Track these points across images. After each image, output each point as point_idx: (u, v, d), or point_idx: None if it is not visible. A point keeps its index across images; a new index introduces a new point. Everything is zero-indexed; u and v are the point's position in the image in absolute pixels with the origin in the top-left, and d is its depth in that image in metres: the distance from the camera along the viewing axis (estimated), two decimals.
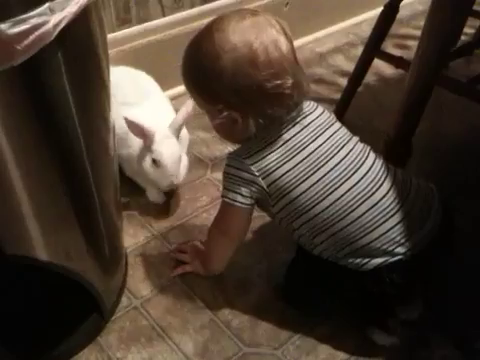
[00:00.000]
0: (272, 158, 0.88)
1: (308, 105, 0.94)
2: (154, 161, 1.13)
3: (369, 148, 0.94)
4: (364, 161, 0.91)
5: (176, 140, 1.16)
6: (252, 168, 0.88)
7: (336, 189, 0.88)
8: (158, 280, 1.07)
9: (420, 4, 2.04)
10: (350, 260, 0.89)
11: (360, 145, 0.93)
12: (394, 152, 1.17)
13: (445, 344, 0.96)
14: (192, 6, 1.56)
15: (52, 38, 0.63)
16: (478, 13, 1.60)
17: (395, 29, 1.58)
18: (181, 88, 1.59)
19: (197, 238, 1.13)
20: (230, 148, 1.40)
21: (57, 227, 0.82)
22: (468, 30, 1.74)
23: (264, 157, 0.88)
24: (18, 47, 0.59)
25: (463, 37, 1.64)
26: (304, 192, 0.88)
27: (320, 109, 0.95)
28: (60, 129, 0.74)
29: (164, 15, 1.52)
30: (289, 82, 0.84)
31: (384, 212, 0.88)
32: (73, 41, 0.69)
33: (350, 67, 1.53)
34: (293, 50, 0.87)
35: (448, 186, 1.06)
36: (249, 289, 1.06)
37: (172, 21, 1.53)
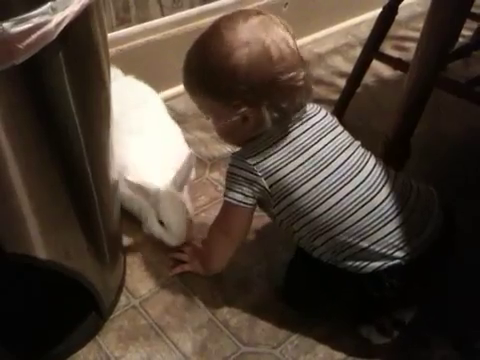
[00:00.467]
0: (275, 158, 0.89)
1: (312, 107, 0.94)
2: (161, 222, 1.08)
3: (370, 153, 0.95)
4: (364, 165, 0.91)
5: (181, 195, 1.11)
6: (255, 168, 0.88)
7: (337, 192, 0.88)
8: (157, 279, 1.07)
9: (419, 6, 2.05)
10: (349, 263, 0.89)
11: (361, 150, 0.94)
12: (392, 153, 1.17)
13: (445, 344, 0.97)
14: (191, 6, 1.57)
15: (54, 37, 0.63)
16: (476, 15, 1.61)
17: (393, 31, 1.59)
18: (179, 88, 1.60)
19: (196, 237, 1.13)
20: (229, 148, 1.40)
21: (57, 226, 0.82)
22: (466, 32, 1.75)
23: (267, 157, 0.89)
24: (20, 46, 0.59)
25: (461, 39, 1.65)
26: (305, 194, 0.88)
27: (323, 112, 0.96)
28: (60, 128, 0.74)
29: (163, 15, 1.52)
30: (302, 74, 0.86)
31: (383, 217, 0.88)
32: (74, 40, 0.69)
33: (349, 68, 1.54)
34: (298, 48, 0.89)
35: (447, 187, 1.06)
36: (248, 289, 1.06)
37: (171, 21, 1.53)
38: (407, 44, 1.85)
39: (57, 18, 0.62)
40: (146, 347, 0.96)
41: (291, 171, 0.88)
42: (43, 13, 0.61)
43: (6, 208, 0.74)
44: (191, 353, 0.95)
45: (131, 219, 1.16)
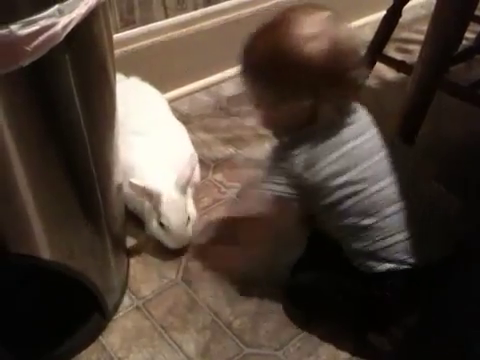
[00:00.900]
0: (316, 150, 0.90)
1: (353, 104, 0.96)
2: (161, 224, 1.09)
3: (401, 160, 0.96)
4: (396, 168, 0.92)
5: (183, 199, 1.11)
6: (295, 160, 0.89)
7: (371, 186, 0.89)
8: (160, 280, 1.08)
9: (423, 8, 2.05)
10: (365, 261, 0.90)
11: (391, 155, 0.95)
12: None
13: (444, 345, 0.97)
14: (195, 8, 1.57)
15: (61, 39, 0.63)
16: (479, 18, 1.61)
17: (397, 33, 1.59)
18: (183, 89, 1.61)
19: (198, 240, 1.13)
20: (232, 150, 1.41)
21: (61, 226, 0.83)
22: (469, 35, 1.74)
23: (308, 149, 0.90)
24: (27, 48, 0.60)
25: (464, 42, 1.65)
26: (341, 186, 0.89)
27: (364, 110, 0.97)
28: (66, 129, 0.75)
29: (167, 17, 1.53)
30: (364, 73, 0.89)
31: (407, 219, 0.89)
32: (81, 42, 0.70)
33: None
34: None
35: (449, 190, 1.06)
36: (251, 291, 1.06)
37: (175, 23, 1.54)
38: (411, 46, 1.84)
39: (64, 20, 0.63)
40: (149, 348, 0.96)
41: (329, 163, 0.89)
42: (50, 15, 0.61)
43: (10, 208, 0.74)
44: (194, 354, 0.95)
45: (135, 220, 1.16)
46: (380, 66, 1.50)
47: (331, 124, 0.90)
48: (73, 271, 0.87)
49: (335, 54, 0.84)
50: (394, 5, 1.38)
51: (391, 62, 1.45)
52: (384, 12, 1.40)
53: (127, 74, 1.35)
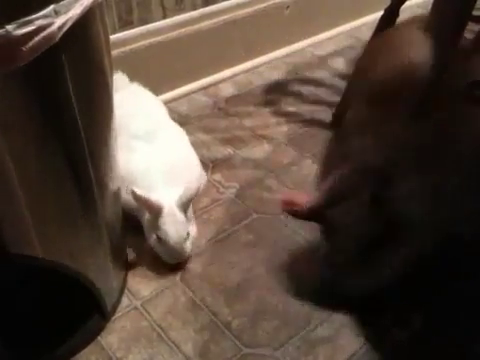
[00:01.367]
0: None
1: None
2: (159, 238, 1.07)
3: None
4: None
5: (184, 215, 1.07)
6: None
7: None
8: (158, 281, 1.08)
9: (419, 8, 2.05)
10: None
11: None
12: None
13: (445, 346, 0.97)
14: (194, 8, 1.57)
15: (57, 40, 0.63)
16: (478, 17, 1.61)
17: None
18: (181, 90, 1.61)
19: (195, 242, 1.13)
20: (230, 150, 1.41)
21: (60, 227, 0.83)
22: (467, 35, 1.74)
23: None
24: (23, 48, 0.60)
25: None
26: None
27: None
28: (63, 130, 0.75)
29: (165, 17, 1.53)
30: None
31: None
32: (77, 43, 0.70)
33: (350, 70, 1.54)
34: None
35: None
36: (249, 291, 1.06)
37: (173, 23, 1.54)
38: None
39: (60, 20, 0.63)
40: (148, 348, 0.96)
41: None
42: (46, 15, 0.61)
43: (10, 209, 0.74)
44: (193, 354, 0.95)
45: (134, 229, 1.16)
46: None
47: None
48: (72, 272, 0.87)
49: None
50: (391, 5, 1.38)
51: None
52: (382, 12, 1.40)
53: (127, 76, 1.35)
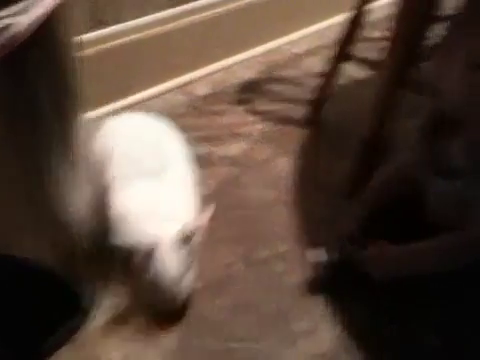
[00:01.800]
0: None
1: None
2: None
3: None
4: None
5: (181, 254, 0.97)
6: None
7: None
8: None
9: (395, 6, 2.08)
10: None
11: None
12: (369, 150, 1.21)
13: (445, 347, 0.98)
14: (169, 7, 1.57)
15: (23, 39, 0.63)
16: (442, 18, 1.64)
17: (369, 32, 1.61)
18: (156, 89, 1.61)
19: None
20: (207, 148, 1.42)
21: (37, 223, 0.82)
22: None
23: None
24: None
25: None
26: None
27: None
28: (25, 128, 0.75)
29: (139, 16, 1.53)
30: None
31: None
32: (44, 41, 0.70)
33: (324, 68, 1.56)
34: None
35: None
36: (229, 285, 1.07)
37: (148, 22, 1.54)
38: (382, 44, 1.87)
39: (26, 19, 0.63)
40: (130, 344, 0.96)
41: None
42: (13, 14, 0.61)
43: None
44: (175, 348, 0.96)
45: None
46: (351, 64, 1.51)
47: None
48: (53, 269, 0.87)
49: None
50: (356, 5, 1.39)
51: (362, 60, 1.48)
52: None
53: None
